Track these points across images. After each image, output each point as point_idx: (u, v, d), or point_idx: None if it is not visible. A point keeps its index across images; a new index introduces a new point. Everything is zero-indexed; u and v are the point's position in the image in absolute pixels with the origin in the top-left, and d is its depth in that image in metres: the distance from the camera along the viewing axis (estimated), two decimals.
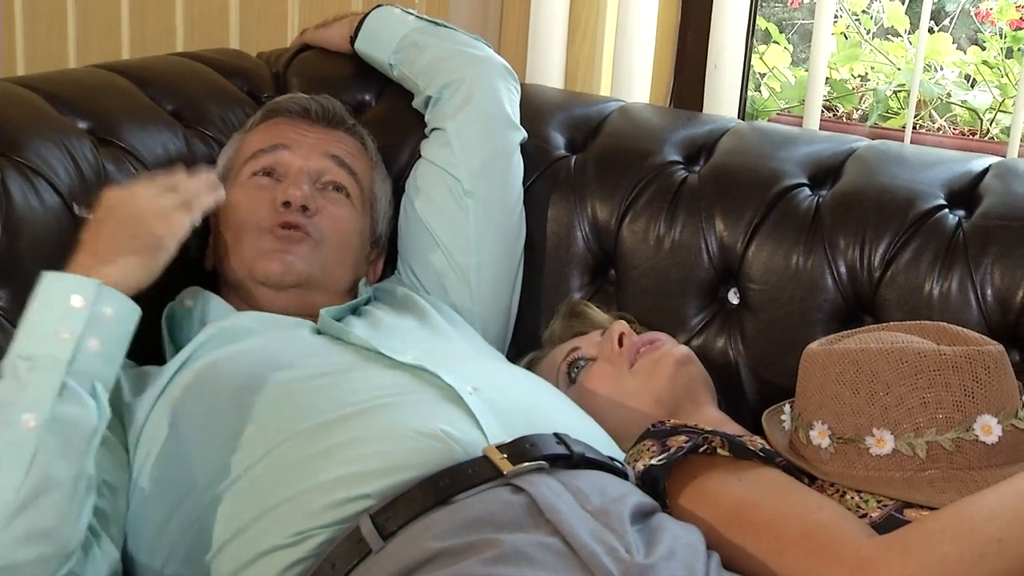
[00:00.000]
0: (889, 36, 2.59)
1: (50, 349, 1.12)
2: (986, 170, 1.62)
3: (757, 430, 1.42)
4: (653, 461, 1.25)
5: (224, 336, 1.37)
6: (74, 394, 1.11)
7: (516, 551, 1.05)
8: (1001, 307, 1.49)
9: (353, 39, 1.78)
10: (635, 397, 1.46)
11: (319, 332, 1.41)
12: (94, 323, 1.13)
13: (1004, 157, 1.77)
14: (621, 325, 1.52)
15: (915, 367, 1.24)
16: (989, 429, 1.23)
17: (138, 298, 1.19)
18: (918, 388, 1.24)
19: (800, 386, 1.34)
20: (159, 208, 1.23)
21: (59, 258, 1.21)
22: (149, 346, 1.45)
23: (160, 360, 1.42)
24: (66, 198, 1.44)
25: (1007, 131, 1.98)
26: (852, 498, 1.24)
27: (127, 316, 1.17)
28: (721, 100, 1.99)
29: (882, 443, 1.25)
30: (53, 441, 1.09)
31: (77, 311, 1.13)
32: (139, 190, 1.25)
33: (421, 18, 1.75)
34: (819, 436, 1.29)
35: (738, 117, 2.01)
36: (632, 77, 2.00)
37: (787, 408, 1.39)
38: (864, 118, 2.42)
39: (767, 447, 1.31)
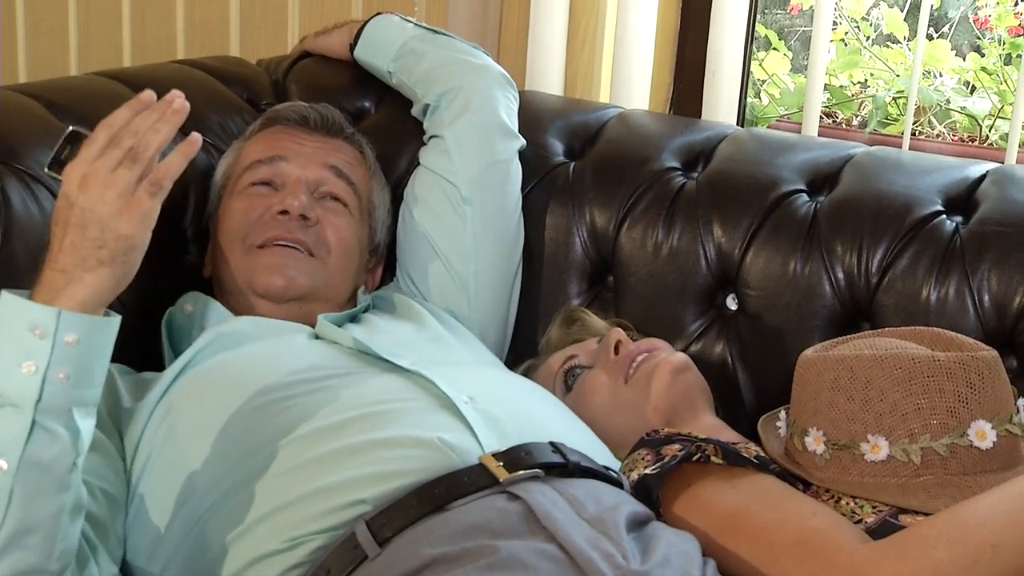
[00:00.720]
0: (888, 43, 2.59)
1: (16, 385, 1.04)
2: (983, 176, 1.62)
3: (754, 436, 1.42)
4: (647, 470, 1.25)
5: (222, 341, 1.37)
6: (46, 433, 1.05)
7: (513, 557, 1.05)
8: (998, 313, 1.49)
9: (353, 46, 1.78)
10: (631, 405, 1.45)
11: (317, 337, 1.41)
12: (58, 354, 1.04)
13: (1002, 163, 1.77)
14: (617, 333, 1.52)
15: (909, 373, 1.25)
16: (983, 435, 1.23)
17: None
18: (912, 394, 1.24)
19: (795, 393, 1.34)
20: (119, 193, 1.07)
21: None
22: (149, 352, 1.47)
23: (160, 366, 1.43)
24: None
25: (1006, 137, 1.98)
26: (847, 504, 1.24)
27: (97, 335, 1.08)
28: (720, 107, 1.99)
29: (877, 449, 1.25)
30: (28, 483, 1.05)
31: (38, 344, 1.04)
32: (92, 173, 1.07)
33: (420, 26, 1.75)
34: (814, 443, 1.29)
35: (737, 124, 2.01)
36: (631, 84, 2.00)
37: (782, 415, 1.39)
38: (863, 124, 2.42)
39: (762, 454, 1.31)
